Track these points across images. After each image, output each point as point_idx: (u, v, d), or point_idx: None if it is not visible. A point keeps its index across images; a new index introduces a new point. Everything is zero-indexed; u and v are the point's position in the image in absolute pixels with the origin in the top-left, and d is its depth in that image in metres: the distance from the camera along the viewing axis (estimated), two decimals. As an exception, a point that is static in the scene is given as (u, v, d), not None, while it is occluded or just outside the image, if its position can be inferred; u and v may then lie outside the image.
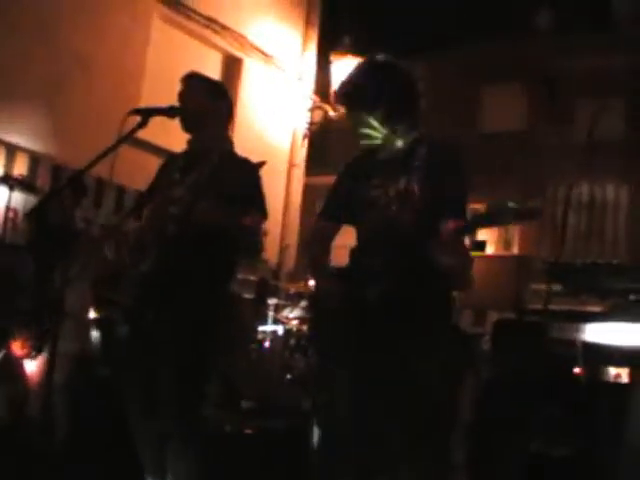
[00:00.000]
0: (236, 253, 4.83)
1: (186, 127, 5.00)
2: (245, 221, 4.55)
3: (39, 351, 6.14)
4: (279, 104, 13.39)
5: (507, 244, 21.81)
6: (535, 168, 19.03)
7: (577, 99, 18.67)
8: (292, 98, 13.78)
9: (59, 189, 5.74)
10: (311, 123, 13.86)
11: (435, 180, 3.90)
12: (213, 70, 12.13)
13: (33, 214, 6.17)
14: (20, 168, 9.96)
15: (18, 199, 9.27)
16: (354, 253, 4.15)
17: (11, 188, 7.94)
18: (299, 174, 13.96)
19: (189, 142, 5.06)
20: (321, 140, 14.23)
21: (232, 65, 12.61)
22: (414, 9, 17.97)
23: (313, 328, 4.47)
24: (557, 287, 8.46)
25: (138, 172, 9.30)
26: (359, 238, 4.18)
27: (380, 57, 4.23)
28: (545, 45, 18.61)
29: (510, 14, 17.96)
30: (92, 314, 6.74)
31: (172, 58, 12.03)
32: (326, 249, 4.29)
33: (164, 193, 4.91)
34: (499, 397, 6.67)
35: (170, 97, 10.74)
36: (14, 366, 6.16)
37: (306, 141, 13.93)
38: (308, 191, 14.62)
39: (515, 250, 21.62)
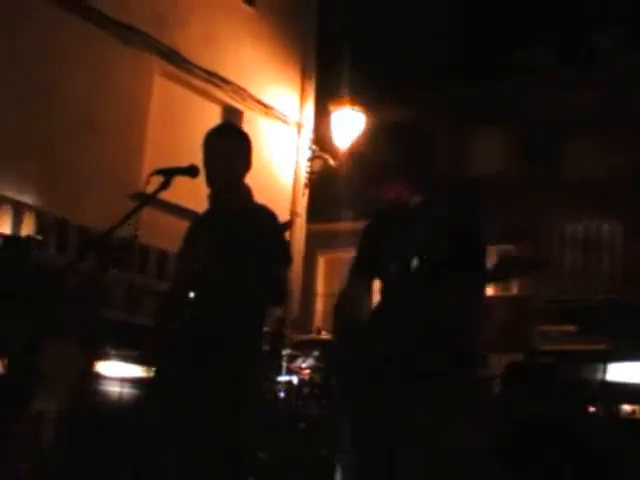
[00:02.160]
0: (263, 305, 4.90)
1: (210, 184, 5.04)
2: (268, 271, 4.65)
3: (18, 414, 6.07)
4: (280, 154, 13.54)
5: (506, 285, 21.87)
6: (526, 209, 19.12)
7: (565, 137, 18.82)
8: (292, 148, 13.97)
9: (84, 250, 5.80)
10: (311, 172, 13.99)
11: (453, 236, 3.98)
12: (214, 123, 12.19)
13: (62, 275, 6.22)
14: (28, 225, 10.08)
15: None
16: (379, 305, 4.23)
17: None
18: (301, 222, 14.09)
19: (209, 197, 5.10)
20: (321, 188, 14.34)
21: (232, 117, 12.74)
22: (402, 56, 18.19)
23: (337, 381, 4.48)
24: (566, 328, 8.57)
25: (160, 232, 9.49)
26: (382, 290, 4.26)
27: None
28: (528, 86, 18.78)
29: (492, 57, 18.15)
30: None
31: (174, 112, 12.23)
32: (358, 305, 4.34)
33: (188, 252, 4.99)
34: (515, 440, 6.74)
35: (173, 151, 10.98)
36: None
37: (307, 190, 14.07)
38: (310, 238, 14.75)
39: (514, 291, 21.68)
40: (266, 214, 4.92)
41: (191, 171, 4.83)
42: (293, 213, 13.71)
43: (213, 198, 5.05)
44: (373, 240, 4.29)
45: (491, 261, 4.04)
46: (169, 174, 4.70)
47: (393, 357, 3.96)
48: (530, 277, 3.57)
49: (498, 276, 3.98)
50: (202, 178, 4.94)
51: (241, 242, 4.68)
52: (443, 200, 4.14)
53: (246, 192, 5.04)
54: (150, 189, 4.67)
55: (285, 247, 4.94)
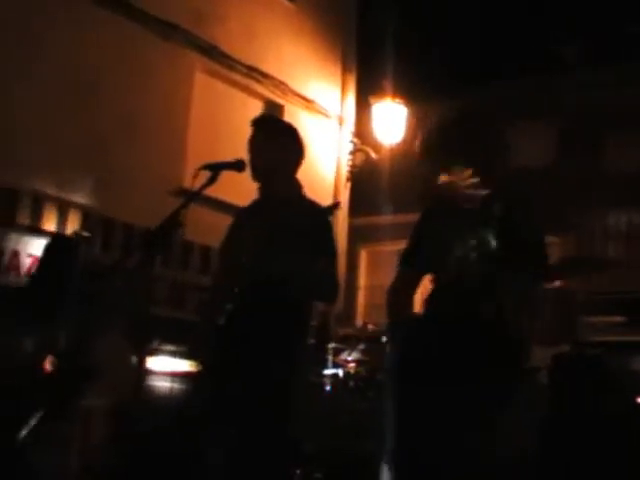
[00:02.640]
0: (310, 299, 4.90)
1: (256, 178, 5.04)
2: (318, 266, 4.63)
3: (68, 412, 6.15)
4: (321, 148, 13.54)
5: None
6: (569, 202, 19.00)
7: (606, 130, 18.67)
8: (334, 142, 13.97)
9: (133, 248, 5.74)
10: (353, 166, 13.96)
11: (513, 235, 3.98)
12: (255, 118, 12.26)
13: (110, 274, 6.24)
14: (73, 223, 10.16)
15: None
16: (432, 300, 4.21)
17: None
18: (343, 216, 14.07)
19: (259, 189, 5.09)
20: (362, 181, 14.31)
21: (274, 112, 12.76)
22: (442, 49, 18.15)
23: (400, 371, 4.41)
24: (614, 319, 8.49)
25: (205, 228, 9.50)
26: (438, 286, 4.23)
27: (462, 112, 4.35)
28: (571, 79, 18.64)
29: (534, 49, 18.04)
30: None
31: (215, 108, 12.28)
32: (410, 298, 4.31)
33: (234, 244, 4.99)
34: (563, 434, 6.69)
35: (214, 147, 11.02)
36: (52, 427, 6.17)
37: (349, 183, 14.05)
38: (351, 231, 14.74)
39: (557, 283, 21.53)
40: (315, 208, 4.91)
41: (238, 165, 4.84)
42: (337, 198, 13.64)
43: (261, 190, 5.05)
44: (427, 234, 4.27)
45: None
46: (216, 169, 4.70)
47: (449, 351, 3.95)
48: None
49: (563, 274, 3.99)
50: (248, 173, 4.96)
51: (289, 235, 4.67)
52: (502, 198, 4.13)
53: (296, 186, 5.03)
54: (197, 184, 4.67)
55: (333, 242, 4.93)
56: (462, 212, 4.15)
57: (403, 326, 4.25)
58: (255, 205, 5.13)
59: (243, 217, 5.15)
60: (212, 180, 4.69)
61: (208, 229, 9.31)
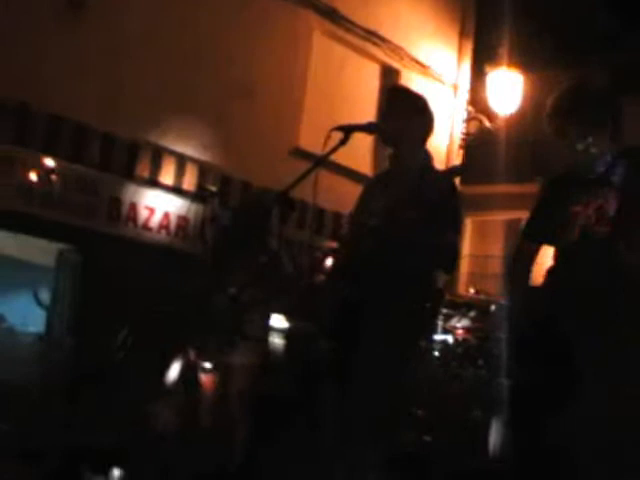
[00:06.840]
0: (433, 267, 4.92)
1: (385, 142, 5.09)
2: (442, 237, 4.66)
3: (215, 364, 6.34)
4: (435, 114, 13.41)
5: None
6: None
7: None
8: (448, 109, 13.88)
9: (269, 207, 5.78)
10: (467, 134, 13.84)
11: (634, 198, 3.92)
12: (372, 82, 12.41)
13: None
14: (190, 178, 10.32)
15: (191, 209, 9.64)
16: (551, 273, 4.19)
17: (204, 200, 8.21)
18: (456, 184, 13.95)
19: (390, 157, 5.14)
20: (474, 150, 14.17)
21: (390, 76, 12.75)
22: (559, 19, 17.82)
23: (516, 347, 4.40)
24: None
25: (334, 195, 9.55)
26: (558, 257, 4.22)
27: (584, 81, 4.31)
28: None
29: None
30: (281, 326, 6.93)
31: (332, 70, 12.29)
32: (529, 270, 4.31)
33: (364, 208, 5.04)
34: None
35: (330, 109, 11.03)
36: (194, 374, 6.34)
37: (461, 151, 13.94)
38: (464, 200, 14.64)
39: None
40: (445, 180, 4.93)
41: (370, 128, 4.92)
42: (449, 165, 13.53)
43: (392, 160, 5.10)
44: (550, 208, 4.26)
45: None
46: (348, 131, 4.77)
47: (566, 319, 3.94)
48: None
49: None
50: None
51: (416, 205, 4.69)
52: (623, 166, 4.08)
53: (427, 156, 5.06)
54: (327, 147, 4.72)
55: (460, 214, 4.94)
56: (584, 181, 4.13)
57: (522, 298, 4.25)
58: (385, 175, 5.19)
59: (373, 187, 5.20)
60: (343, 142, 4.76)
61: (341, 196, 9.33)
